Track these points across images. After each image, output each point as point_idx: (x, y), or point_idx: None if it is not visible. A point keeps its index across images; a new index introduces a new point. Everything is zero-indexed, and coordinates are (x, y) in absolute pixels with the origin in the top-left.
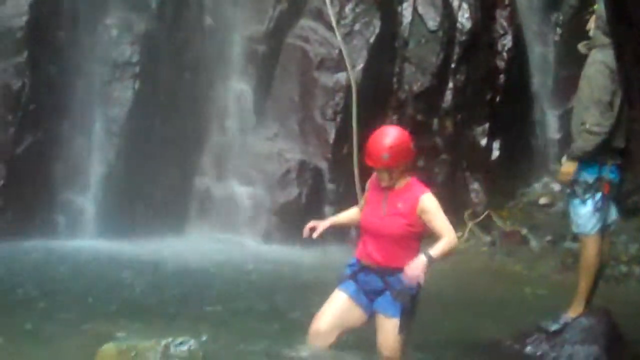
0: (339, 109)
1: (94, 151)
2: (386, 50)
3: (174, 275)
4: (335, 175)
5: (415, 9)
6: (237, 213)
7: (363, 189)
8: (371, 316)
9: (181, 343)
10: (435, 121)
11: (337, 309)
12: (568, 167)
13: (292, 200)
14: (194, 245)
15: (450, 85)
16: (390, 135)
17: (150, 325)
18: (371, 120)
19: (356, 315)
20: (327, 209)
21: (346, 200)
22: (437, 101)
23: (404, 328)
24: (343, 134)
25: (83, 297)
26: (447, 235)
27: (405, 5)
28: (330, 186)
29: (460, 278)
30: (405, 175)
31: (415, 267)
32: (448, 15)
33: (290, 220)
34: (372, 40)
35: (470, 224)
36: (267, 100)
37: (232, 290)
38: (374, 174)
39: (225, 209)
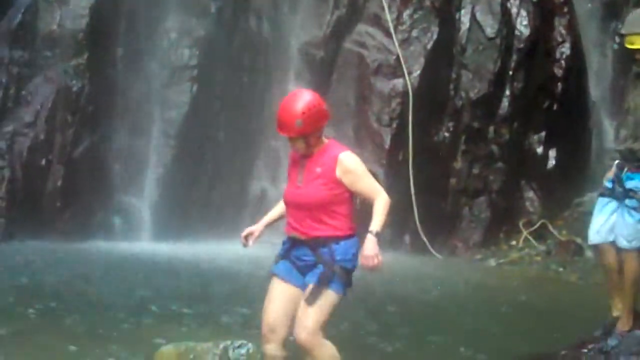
0: (395, 115)
1: (151, 154)
2: (443, 57)
3: (228, 278)
4: (391, 181)
5: (473, 16)
6: None
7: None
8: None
9: (239, 346)
10: (492, 129)
11: (277, 300)
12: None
13: None
14: (248, 249)
15: (507, 92)
16: (300, 99)
17: (206, 327)
18: (427, 126)
19: (295, 295)
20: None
21: (401, 206)
22: (494, 108)
23: (332, 302)
24: (399, 140)
25: (138, 299)
26: (378, 197)
27: (463, 12)
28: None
29: (514, 287)
30: (321, 139)
31: (369, 254)
32: (506, 22)
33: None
34: (429, 46)
35: (525, 233)
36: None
37: None
38: (292, 150)
39: None
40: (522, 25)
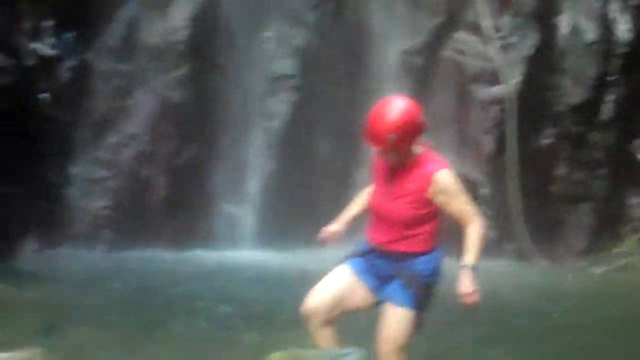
0: (495, 122)
1: (252, 163)
2: (543, 63)
3: None
4: (492, 188)
5: (572, 21)
6: None
7: (519, 203)
8: (376, 303)
9: (347, 354)
10: (594, 134)
11: (339, 284)
12: None
13: None
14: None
15: (609, 97)
16: (395, 110)
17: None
18: (528, 133)
19: (360, 294)
20: (485, 222)
21: (502, 213)
22: (595, 114)
23: (411, 320)
24: (499, 147)
25: (244, 306)
26: (472, 224)
27: (562, 17)
28: (487, 200)
29: (623, 295)
30: (414, 148)
31: (467, 288)
32: (606, 27)
33: (444, 233)
34: (529, 52)
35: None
36: (423, 113)
37: None
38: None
39: None
40: (623, 30)
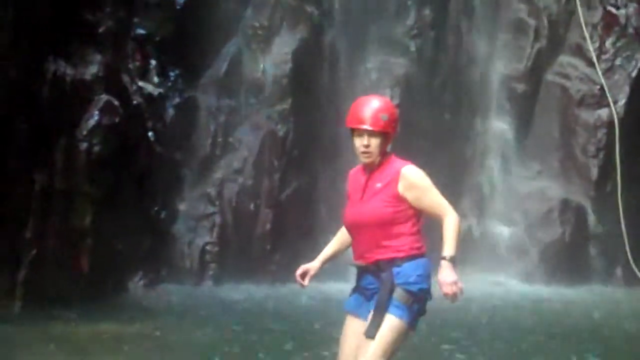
0: (601, 145)
1: None
2: None
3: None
4: (599, 213)
5: None
6: (499, 253)
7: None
8: None
9: None
10: None
11: (348, 340)
12: None
13: (555, 239)
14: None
15: None
16: (381, 98)
17: None
18: (635, 155)
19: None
20: (592, 248)
21: (611, 239)
22: None
23: (398, 329)
24: (606, 171)
25: None
26: (447, 216)
27: None
28: (594, 225)
29: None
30: (386, 151)
31: (447, 281)
32: None
33: (554, 260)
34: (634, 74)
35: None
36: (528, 139)
37: (499, 331)
38: (351, 170)
39: (487, 249)
40: None
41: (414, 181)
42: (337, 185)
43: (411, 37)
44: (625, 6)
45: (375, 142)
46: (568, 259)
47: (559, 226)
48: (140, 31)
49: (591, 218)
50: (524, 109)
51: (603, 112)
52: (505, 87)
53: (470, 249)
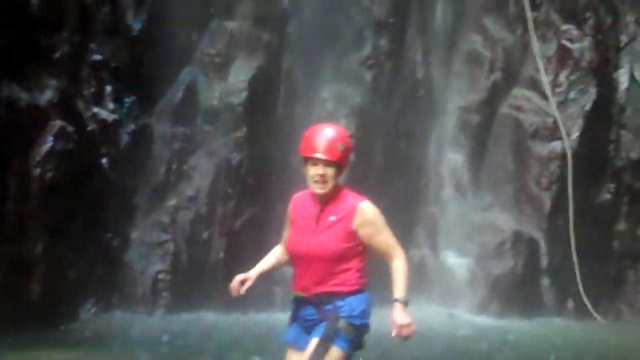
0: (554, 178)
1: None
2: (602, 118)
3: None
4: (551, 246)
5: (631, 75)
6: (451, 284)
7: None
8: None
9: None
10: None
11: None
12: None
13: (507, 271)
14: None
15: None
16: (337, 128)
17: None
18: (587, 189)
19: None
20: (544, 280)
21: (563, 271)
22: None
23: (332, 356)
24: (559, 203)
25: None
26: (397, 258)
27: (621, 71)
28: (546, 257)
29: None
30: (338, 184)
31: (402, 323)
32: None
33: (506, 292)
34: (587, 107)
35: None
36: (481, 170)
37: None
38: (296, 195)
39: (440, 280)
40: None
41: (369, 218)
42: None
43: (367, 67)
44: (580, 40)
45: (330, 171)
46: (520, 291)
47: (511, 258)
48: (96, 57)
49: (543, 250)
50: (478, 141)
51: (556, 145)
52: (459, 118)
53: (423, 279)
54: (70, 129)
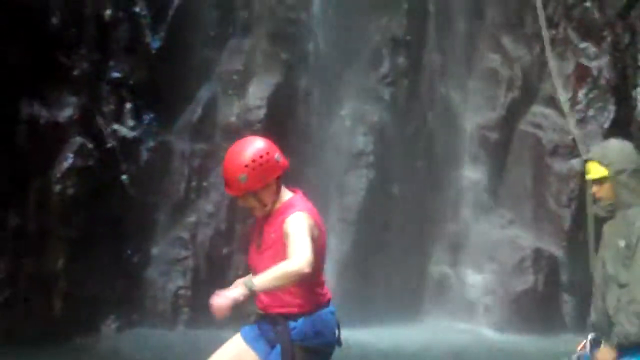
0: (573, 195)
1: (330, 240)
2: (621, 135)
3: None
4: (572, 262)
5: None
6: (472, 301)
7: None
8: None
9: None
10: None
11: (228, 352)
12: (606, 355)
13: (527, 288)
14: (429, 334)
15: None
16: (244, 150)
17: None
18: None
19: None
20: (565, 297)
21: (583, 288)
22: None
23: None
24: (578, 221)
25: None
26: (292, 258)
27: (639, 89)
28: (566, 274)
29: None
30: (280, 195)
31: (225, 293)
32: None
33: (526, 309)
34: (606, 125)
35: None
36: (501, 187)
37: None
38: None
39: (460, 297)
40: None
41: (286, 230)
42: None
43: (385, 84)
44: (598, 58)
45: (250, 201)
46: (540, 308)
47: (532, 275)
48: (115, 74)
49: (564, 267)
50: (497, 158)
51: (576, 162)
52: (478, 135)
53: (443, 296)
54: (90, 145)
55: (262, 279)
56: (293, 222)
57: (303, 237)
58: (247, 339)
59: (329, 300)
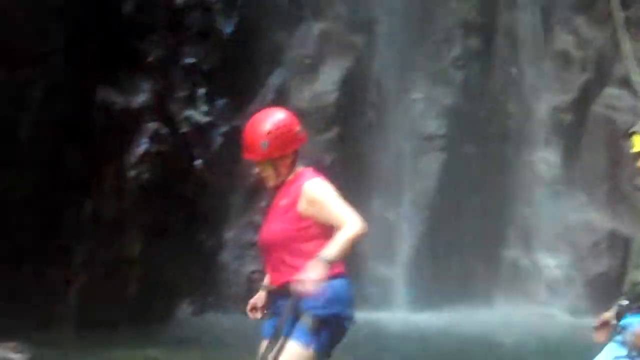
0: None
1: (403, 224)
2: None
3: (480, 349)
4: None
5: None
6: (545, 285)
7: None
8: None
9: None
10: None
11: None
12: None
13: (603, 271)
14: (501, 318)
15: None
16: (268, 119)
17: None
18: None
19: None
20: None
21: None
22: None
23: (303, 357)
24: None
25: None
26: (346, 223)
27: None
28: None
29: None
30: (294, 168)
31: (304, 278)
32: None
33: (602, 292)
34: None
35: None
36: (575, 169)
37: None
38: None
39: (534, 280)
40: None
41: (312, 196)
42: (383, 213)
43: (457, 67)
44: None
45: (267, 169)
46: (616, 291)
47: (607, 258)
48: (188, 60)
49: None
50: (571, 140)
51: None
52: (552, 118)
53: (516, 280)
54: (164, 131)
55: (330, 248)
56: (317, 188)
57: (336, 200)
58: (267, 336)
59: (340, 272)
